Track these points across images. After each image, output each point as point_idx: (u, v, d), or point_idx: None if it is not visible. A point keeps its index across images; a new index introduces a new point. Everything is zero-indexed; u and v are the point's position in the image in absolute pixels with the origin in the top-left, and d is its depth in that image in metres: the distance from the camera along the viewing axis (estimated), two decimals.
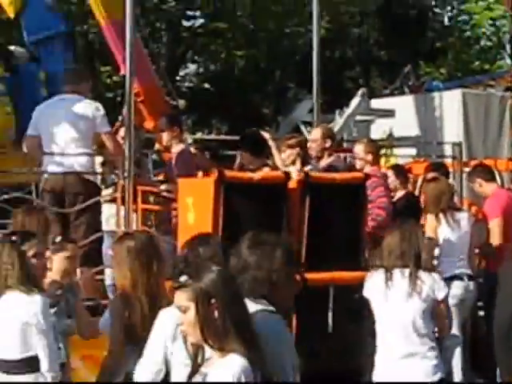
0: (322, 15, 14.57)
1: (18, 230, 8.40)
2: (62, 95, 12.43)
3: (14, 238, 7.61)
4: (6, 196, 12.46)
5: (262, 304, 5.72)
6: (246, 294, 5.61)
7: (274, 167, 12.16)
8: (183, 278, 5.70)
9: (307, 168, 11.71)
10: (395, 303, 8.55)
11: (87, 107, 12.07)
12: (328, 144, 12.20)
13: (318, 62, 14.40)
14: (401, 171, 13.90)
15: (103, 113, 12.20)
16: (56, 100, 12.52)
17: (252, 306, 5.59)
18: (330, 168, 11.58)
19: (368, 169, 12.49)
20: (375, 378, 6.38)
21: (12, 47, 16.63)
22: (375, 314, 8.97)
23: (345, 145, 18.80)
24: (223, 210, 9.20)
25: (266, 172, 11.01)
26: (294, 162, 11.92)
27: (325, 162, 12.05)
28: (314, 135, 12.48)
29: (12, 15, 15.65)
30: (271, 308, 5.75)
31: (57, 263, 8.12)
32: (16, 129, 14.54)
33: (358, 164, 12.87)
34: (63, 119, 11.93)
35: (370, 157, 12.79)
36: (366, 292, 9.05)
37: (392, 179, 13.22)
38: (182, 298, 5.59)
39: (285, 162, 12.15)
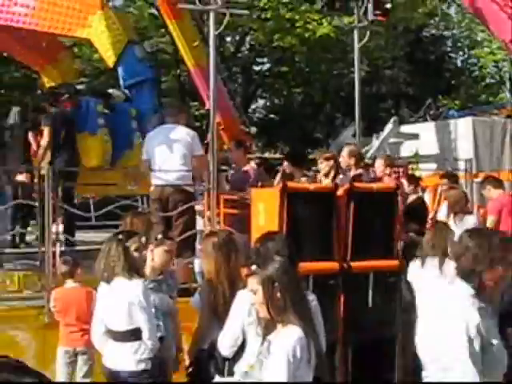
0: (362, 60, 14.50)
1: (124, 230, 8.47)
2: (165, 125, 12.50)
3: (120, 236, 7.69)
4: (117, 204, 12.55)
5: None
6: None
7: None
8: (254, 267, 5.91)
9: (340, 177, 11.74)
10: (428, 284, 8.57)
11: (186, 134, 12.14)
12: (352, 161, 12.17)
13: (359, 97, 14.45)
14: (412, 179, 13.71)
15: (198, 139, 12.29)
16: (161, 128, 12.56)
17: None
18: (355, 178, 11.51)
19: (386, 179, 12.54)
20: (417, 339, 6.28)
21: (110, 90, 16.67)
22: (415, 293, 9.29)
23: None
24: (286, 213, 9.16)
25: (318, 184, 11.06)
26: (328, 172, 11.92)
27: (352, 172, 12.03)
28: (342, 153, 12.46)
29: (111, 65, 15.62)
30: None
31: (158, 255, 8.16)
32: (112, 153, 14.55)
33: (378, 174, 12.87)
34: (167, 143, 12.01)
35: (387, 170, 12.84)
36: (409, 276, 9.55)
37: (406, 186, 13.19)
38: (253, 282, 5.92)
39: (321, 171, 12.22)
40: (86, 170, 14.08)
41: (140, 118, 14.84)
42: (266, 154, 27.23)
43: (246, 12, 14.42)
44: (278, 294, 5.52)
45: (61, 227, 11.98)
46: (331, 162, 12.42)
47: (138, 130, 14.42)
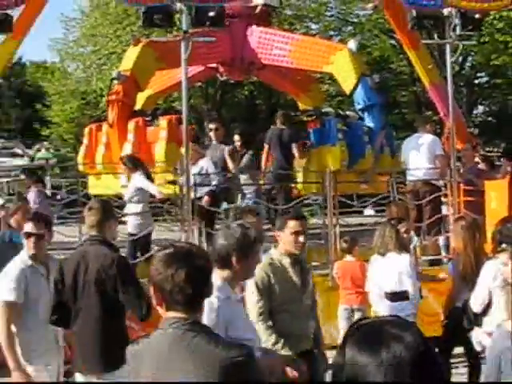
0: None
1: (394, 217, 8.67)
2: (417, 133, 13.00)
3: (392, 221, 7.97)
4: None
5: None
6: None
7: None
8: (504, 245, 5.93)
9: None
10: None
11: (430, 139, 12.37)
12: None
13: None
14: None
15: (438, 142, 12.51)
16: (413, 137, 13.12)
17: None
18: None
19: None
20: None
21: (348, 112, 17.02)
22: None
23: None
24: None
25: None
26: None
27: None
28: None
29: (348, 93, 15.83)
30: None
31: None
32: (349, 160, 14.70)
33: None
34: (416, 147, 12.30)
35: None
36: None
37: None
38: (504, 257, 5.87)
39: None
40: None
41: (371, 134, 15.02)
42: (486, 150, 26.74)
43: (473, 42, 14.22)
44: None
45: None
46: None
47: (369, 143, 14.60)
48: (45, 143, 33.40)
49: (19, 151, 32.27)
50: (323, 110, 17.66)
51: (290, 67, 16.90)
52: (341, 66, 15.58)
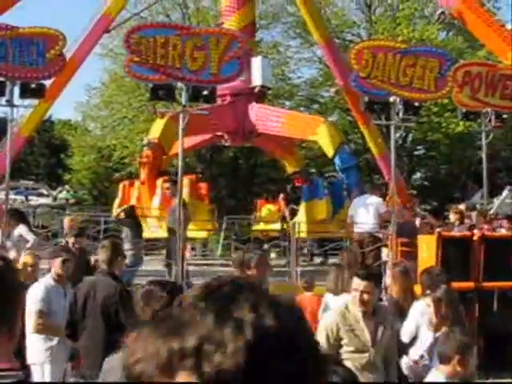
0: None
1: (346, 261, 8.63)
2: (366, 195, 13.04)
3: (342, 265, 7.88)
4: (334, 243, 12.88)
5: None
6: None
7: None
8: (427, 291, 5.84)
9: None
10: None
11: (376, 200, 12.49)
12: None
13: (486, 170, 13.65)
14: None
15: (382, 203, 12.61)
16: (362, 197, 13.12)
17: None
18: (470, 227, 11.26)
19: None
20: None
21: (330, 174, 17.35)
22: None
23: None
24: (441, 251, 9.18)
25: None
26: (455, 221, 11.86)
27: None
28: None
29: (330, 156, 16.18)
30: None
31: None
32: (332, 211, 14.83)
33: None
34: (365, 206, 12.38)
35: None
36: None
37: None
38: (428, 299, 5.73)
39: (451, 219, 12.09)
40: (316, 221, 14.58)
41: (348, 190, 15.18)
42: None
43: (412, 124, 14.42)
44: (443, 309, 5.49)
45: None
46: (457, 215, 12.25)
47: (347, 197, 14.73)
48: (66, 186, 33.27)
49: (45, 192, 32.10)
50: (310, 171, 18.09)
51: (279, 135, 17.27)
52: (324, 135, 15.90)
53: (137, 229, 12.42)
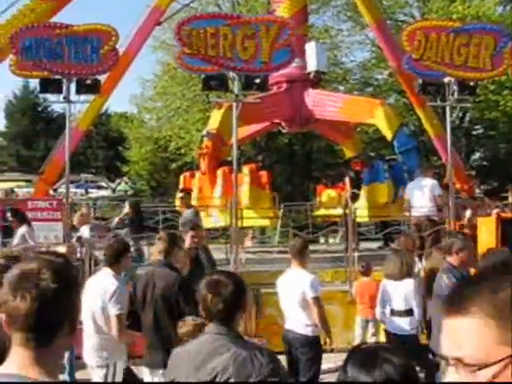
0: None
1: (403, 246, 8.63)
2: (420, 177, 12.80)
3: (401, 251, 7.85)
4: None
5: None
6: None
7: None
8: None
9: None
10: None
11: (431, 182, 12.28)
12: None
13: None
14: None
15: (437, 184, 12.39)
16: (417, 180, 12.87)
17: None
18: None
19: None
20: None
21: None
22: None
23: None
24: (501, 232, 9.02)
25: None
26: None
27: None
28: None
29: (389, 139, 15.90)
30: None
31: None
32: (394, 194, 14.67)
33: None
34: (420, 189, 12.21)
35: None
36: None
37: None
38: None
39: None
40: (378, 205, 14.47)
41: (409, 172, 14.98)
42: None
43: (469, 105, 14.13)
44: None
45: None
46: None
47: (408, 179, 14.51)
48: (124, 178, 33.82)
49: (104, 184, 32.72)
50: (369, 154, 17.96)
51: (337, 120, 17.19)
52: (382, 118, 15.74)
53: (139, 224, 12.85)
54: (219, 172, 14.96)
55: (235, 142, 10.96)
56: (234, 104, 10.70)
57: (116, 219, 14.01)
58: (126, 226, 13.39)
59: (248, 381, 3.19)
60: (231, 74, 10.72)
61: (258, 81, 10.71)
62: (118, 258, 6.05)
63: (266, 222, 15.77)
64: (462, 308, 1.32)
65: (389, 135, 15.72)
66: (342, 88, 29.99)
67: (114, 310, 5.81)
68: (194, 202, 15.31)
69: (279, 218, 16.73)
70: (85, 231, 11.65)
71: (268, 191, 15.50)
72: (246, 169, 15.13)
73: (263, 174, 15.75)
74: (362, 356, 1.97)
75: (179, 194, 13.06)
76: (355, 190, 15.55)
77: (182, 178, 16.43)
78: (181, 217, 11.87)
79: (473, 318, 1.30)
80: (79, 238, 11.25)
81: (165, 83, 30.60)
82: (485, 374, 1.26)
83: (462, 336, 1.31)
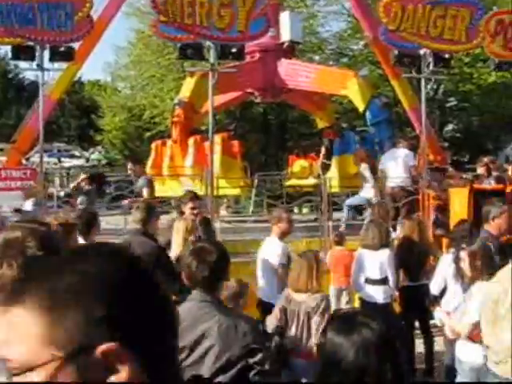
0: None
1: (378, 216, 8.67)
2: (395, 148, 12.93)
3: (376, 220, 7.93)
4: None
5: None
6: None
7: None
8: (463, 245, 5.81)
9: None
10: None
11: (404, 153, 12.38)
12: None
13: None
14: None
15: (412, 155, 12.47)
16: (391, 151, 12.98)
17: None
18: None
19: None
20: None
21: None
22: None
23: None
24: (473, 204, 9.15)
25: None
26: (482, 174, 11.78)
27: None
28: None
29: (361, 111, 15.95)
30: None
31: None
32: None
33: None
34: (395, 159, 12.31)
35: None
36: None
37: None
38: (462, 253, 5.64)
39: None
40: (348, 175, 14.53)
41: (380, 143, 15.07)
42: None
43: (444, 77, 14.22)
44: (478, 262, 5.37)
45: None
46: (484, 168, 12.10)
47: (379, 151, 14.60)
48: (98, 147, 33.58)
49: (77, 153, 32.46)
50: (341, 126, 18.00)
51: (309, 90, 17.17)
52: (354, 89, 15.76)
53: (94, 196, 12.78)
54: (191, 141, 14.91)
55: (211, 111, 10.94)
56: (210, 73, 10.65)
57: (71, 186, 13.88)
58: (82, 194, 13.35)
59: (231, 347, 3.24)
60: (207, 43, 10.64)
61: (234, 50, 10.66)
62: (88, 227, 6.15)
63: (236, 191, 15.78)
64: (18, 296, 1.05)
65: (361, 107, 15.79)
66: (317, 58, 29.93)
67: None
68: (165, 171, 15.36)
69: (251, 187, 16.74)
70: (28, 205, 11.42)
71: (239, 160, 15.48)
72: (217, 138, 15.04)
73: (235, 143, 15.68)
74: (341, 321, 2.03)
75: (129, 165, 12.99)
76: (325, 161, 15.65)
77: (153, 146, 16.36)
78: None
79: (24, 310, 1.04)
80: (17, 210, 10.98)
81: (139, 51, 30.27)
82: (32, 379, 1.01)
83: (12, 330, 1.04)
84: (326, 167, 15.38)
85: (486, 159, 12.86)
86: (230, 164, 14.80)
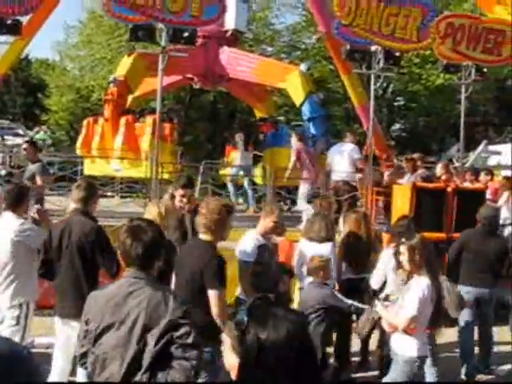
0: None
1: (321, 209, 8.68)
2: (341, 142, 12.99)
3: (321, 214, 7.94)
4: None
5: None
6: None
7: None
8: (403, 240, 5.89)
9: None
10: None
11: (351, 147, 12.44)
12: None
13: (463, 124, 13.77)
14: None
15: (357, 149, 12.55)
16: (338, 145, 13.04)
17: None
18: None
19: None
20: None
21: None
22: None
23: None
24: (415, 201, 9.26)
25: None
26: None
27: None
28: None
29: (298, 105, 15.99)
30: None
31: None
32: None
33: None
34: (340, 153, 12.39)
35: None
36: None
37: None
38: (402, 247, 5.72)
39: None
40: (279, 168, 14.51)
41: (314, 140, 15.16)
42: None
43: (393, 74, 14.38)
44: (417, 257, 5.50)
45: None
46: (410, 163, 12.25)
47: (312, 146, 14.63)
48: (43, 127, 32.81)
49: (21, 132, 31.65)
50: (277, 119, 17.95)
51: (251, 81, 17.04)
52: (293, 83, 15.73)
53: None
54: (122, 120, 14.69)
55: (160, 94, 10.82)
56: (161, 56, 10.51)
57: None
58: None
59: (159, 322, 3.26)
60: (159, 26, 10.49)
61: (186, 34, 10.53)
62: (19, 200, 6.17)
63: (165, 176, 15.44)
64: None
65: (298, 101, 15.82)
66: (269, 49, 29.94)
67: (33, 246, 6.00)
68: (94, 149, 15.11)
69: (180, 172, 16.46)
70: None
71: (170, 144, 15.18)
72: (149, 119, 14.76)
73: (166, 125, 15.25)
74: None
75: (24, 145, 12.59)
76: (257, 152, 15.70)
77: (84, 123, 16.03)
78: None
79: None
80: None
81: (90, 31, 29.72)
82: None
83: None
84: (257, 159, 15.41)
85: (415, 155, 12.98)
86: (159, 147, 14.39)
